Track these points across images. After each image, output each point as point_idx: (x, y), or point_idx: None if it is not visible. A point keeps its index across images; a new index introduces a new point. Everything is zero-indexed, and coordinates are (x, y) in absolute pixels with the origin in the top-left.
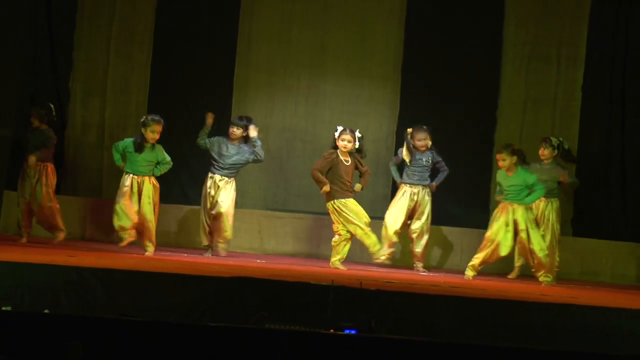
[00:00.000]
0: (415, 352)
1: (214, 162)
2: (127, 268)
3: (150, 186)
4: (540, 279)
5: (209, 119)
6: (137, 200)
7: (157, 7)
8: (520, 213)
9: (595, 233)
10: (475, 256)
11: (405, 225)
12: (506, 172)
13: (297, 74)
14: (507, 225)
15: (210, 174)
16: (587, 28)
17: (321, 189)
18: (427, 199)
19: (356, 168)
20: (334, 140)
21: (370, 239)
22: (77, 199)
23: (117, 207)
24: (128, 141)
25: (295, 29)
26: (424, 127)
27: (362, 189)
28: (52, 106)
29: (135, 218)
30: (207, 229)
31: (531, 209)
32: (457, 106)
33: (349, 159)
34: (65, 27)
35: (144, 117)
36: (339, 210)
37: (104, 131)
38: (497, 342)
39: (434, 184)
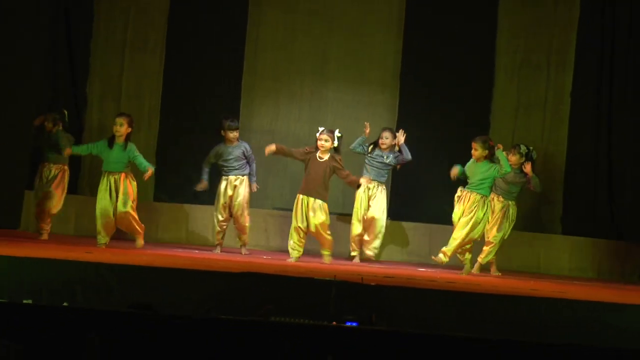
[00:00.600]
0: (413, 343)
1: (223, 167)
2: (141, 264)
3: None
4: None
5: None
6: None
7: (169, 17)
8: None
9: (583, 231)
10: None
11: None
12: (475, 161)
13: (300, 81)
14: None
15: (224, 176)
16: (575, 37)
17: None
18: (381, 195)
19: (334, 172)
20: (316, 140)
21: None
22: (94, 199)
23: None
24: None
25: (299, 38)
26: (391, 128)
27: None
28: (65, 112)
29: None
30: (219, 229)
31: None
32: (452, 111)
33: (324, 157)
34: (82, 35)
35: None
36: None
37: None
38: (490, 335)
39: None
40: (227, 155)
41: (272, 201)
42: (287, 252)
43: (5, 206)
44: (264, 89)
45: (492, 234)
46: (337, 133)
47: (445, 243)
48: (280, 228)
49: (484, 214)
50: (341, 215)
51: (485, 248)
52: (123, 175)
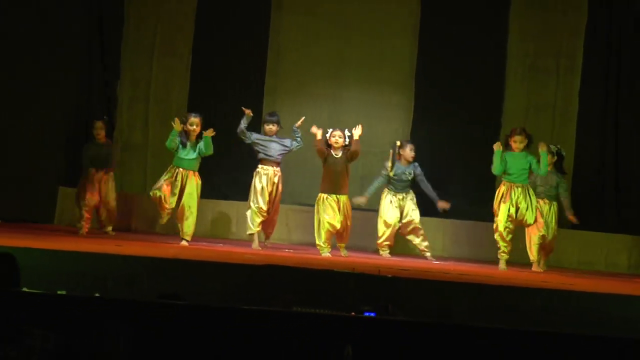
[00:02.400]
0: (428, 333)
1: (261, 153)
2: (169, 256)
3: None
4: None
5: (248, 113)
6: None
7: (195, 22)
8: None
9: (591, 226)
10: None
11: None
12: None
13: (321, 83)
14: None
15: (260, 167)
16: (583, 42)
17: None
18: (412, 201)
19: (347, 157)
20: (327, 140)
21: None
22: (125, 194)
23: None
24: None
25: (319, 42)
26: (409, 140)
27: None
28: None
29: None
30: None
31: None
32: (465, 112)
33: (339, 153)
34: (113, 39)
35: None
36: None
37: (147, 133)
38: (502, 325)
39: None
40: (265, 143)
41: (293, 196)
42: (307, 245)
43: (40, 202)
44: (285, 90)
45: (552, 238)
46: (347, 132)
47: (459, 237)
48: (301, 222)
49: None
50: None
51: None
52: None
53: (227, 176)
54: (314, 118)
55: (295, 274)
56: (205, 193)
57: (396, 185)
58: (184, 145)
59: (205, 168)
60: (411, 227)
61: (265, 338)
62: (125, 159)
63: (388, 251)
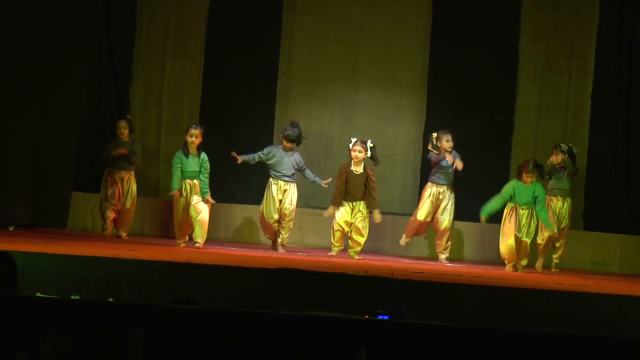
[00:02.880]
0: (442, 336)
1: (273, 171)
2: (182, 260)
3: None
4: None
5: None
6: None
7: (207, 26)
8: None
9: (604, 227)
10: None
11: (432, 220)
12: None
13: (332, 86)
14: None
15: (272, 180)
16: (595, 42)
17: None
18: (451, 196)
19: (365, 184)
20: (349, 150)
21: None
22: (137, 199)
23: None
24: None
25: (331, 45)
26: (445, 131)
27: (379, 217)
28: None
29: None
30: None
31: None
32: (477, 113)
33: (359, 169)
34: (125, 44)
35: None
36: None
37: (160, 137)
38: (516, 327)
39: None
40: (279, 157)
41: (306, 200)
42: (321, 248)
43: (53, 207)
44: (297, 93)
45: (564, 233)
46: (369, 143)
47: (467, 237)
48: (314, 226)
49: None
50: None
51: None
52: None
53: (240, 180)
54: (327, 121)
55: (309, 277)
56: (218, 197)
57: (440, 175)
58: (186, 156)
59: (219, 172)
60: (441, 227)
61: (278, 342)
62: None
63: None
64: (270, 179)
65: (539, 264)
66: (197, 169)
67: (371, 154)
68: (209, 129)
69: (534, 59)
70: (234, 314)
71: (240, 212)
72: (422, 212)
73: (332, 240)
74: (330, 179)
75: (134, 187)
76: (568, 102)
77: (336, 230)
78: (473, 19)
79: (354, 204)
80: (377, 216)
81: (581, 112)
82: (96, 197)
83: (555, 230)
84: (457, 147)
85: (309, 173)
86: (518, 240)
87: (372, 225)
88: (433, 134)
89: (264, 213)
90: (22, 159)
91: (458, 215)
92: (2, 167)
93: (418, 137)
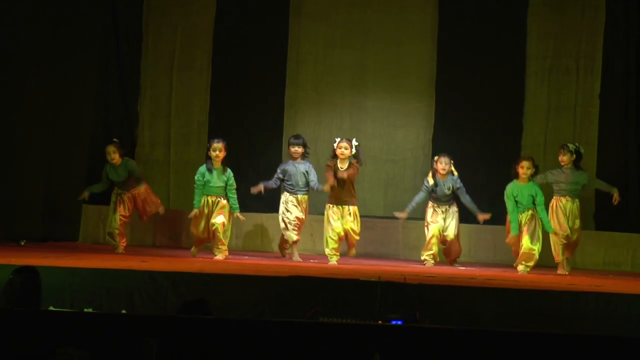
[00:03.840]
0: (456, 340)
1: (288, 186)
2: (195, 271)
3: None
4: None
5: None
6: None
7: (214, 37)
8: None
9: (616, 226)
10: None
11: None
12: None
13: (341, 92)
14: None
15: (287, 194)
16: (602, 41)
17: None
18: (454, 210)
19: (352, 185)
20: (334, 149)
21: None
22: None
23: None
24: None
25: (338, 51)
26: (446, 154)
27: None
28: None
29: None
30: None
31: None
32: (486, 115)
33: (344, 166)
34: (132, 56)
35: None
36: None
37: (169, 149)
38: (530, 329)
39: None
40: (290, 171)
41: (318, 207)
42: None
43: (64, 220)
44: (306, 100)
45: (577, 234)
46: (354, 142)
47: (483, 241)
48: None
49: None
50: (382, 218)
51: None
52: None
53: (250, 188)
54: (336, 127)
55: (322, 284)
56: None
57: (439, 199)
58: (210, 172)
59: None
60: (448, 240)
61: (293, 349)
62: (148, 176)
63: (432, 262)
64: (287, 194)
65: (561, 270)
66: (222, 185)
67: (356, 152)
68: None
69: (541, 60)
70: (248, 323)
71: (251, 220)
72: (431, 228)
73: (328, 249)
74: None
75: (148, 198)
76: (577, 102)
77: (330, 238)
78: (479, 21)
79: (343, 208)
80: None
81: (590, 112)
82: (107, 210)
83: (552, 230)
84: (466, 150)
85: (313, 184)
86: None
87: (383, 230)
88: (435, 157)
89: (285, 222)
90: (32, 173)
91: (469, 218)
92: (13, 182)
93: (427, 141)
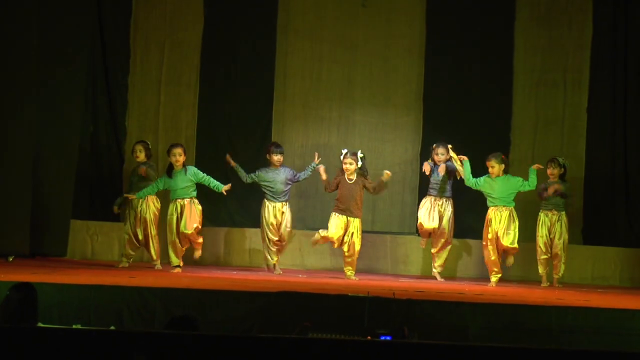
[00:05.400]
0: (445, 355)
1: (269, 194)
2: (183, 286)
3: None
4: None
5: (230, 160)
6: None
7: (201, 51)
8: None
9: (604, 240)
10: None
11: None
12: (492, 177)
13: (328, 106)
14: None
15: (267, 202)
16: (589, 55)
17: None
18: (449, 210)
19: (364, 187)
20: (342, 163)
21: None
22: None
23: None
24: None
25: (325, 66)
26: (443, 144)
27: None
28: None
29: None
30: (270, 250)
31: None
32: (474, 129)
33: (353, 177)
34: (120, 71)
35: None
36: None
37: (157, 163)
38: (519, 344)
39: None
40: (271, 178)
41: (306, 222)
42: (321, 270)
43: (52, 235)
44: (294, 115)
45: (560, 247)
46: (359, 154)
47: (467, 254)
48: (314, 248)
49: (516, 224)
50: (370, 233)
51: (557, 263)
52: (188, 200)
53: (238, 203)
54: (323, 141)
55: (310, 299)
56: (217, 221)
57: (434, 187)
58: (170, 176)
59: (217, 196)
60: (441, 240)
61: None
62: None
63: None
64: (266, 201)
65: (544, 282)
66: (188, 184)
67: (361, 165)
68: (206, 154)
69: (529, 74)
70: (236, 339)
71: (239, 235)
72: (423, 222)
73: (317, 238)
74: (319, 160)
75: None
76: (564, 115)
77: (322, 237)
78: (466, 35)
79: (349, 219)
80: (386, 172)
81: (578, 126)
82: (95, 225)
83: (533, 187)
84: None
85: (303, 174)
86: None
87: (372, 245)
88: (434, 145)
89: (266, 236)
90: (19, 188)
91: (459, 233)
92: (0, 197)
93: (415, 155)
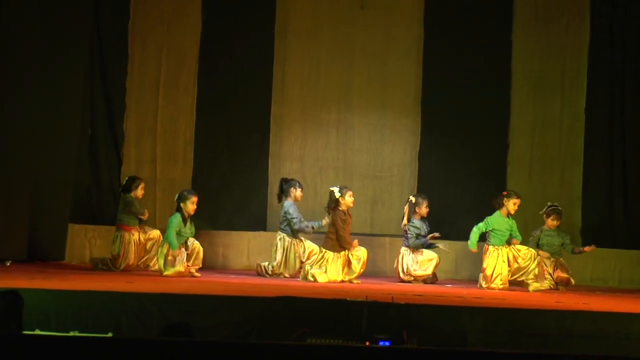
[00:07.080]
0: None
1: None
2: (181, 292)
3: None
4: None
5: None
6: None
7: (199, 55)
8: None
9: (603, 242)
10: None
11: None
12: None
13: (327, 109)
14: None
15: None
16: (587, 58)
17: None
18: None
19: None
20: (337, 200)
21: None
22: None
23: None
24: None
25: (323, 69)
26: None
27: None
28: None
29: None
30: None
31: None
32: (472, 131)
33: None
34: (117, 75)
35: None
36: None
37: (156, 166)
38: (518, 348)
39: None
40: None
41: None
42: None
43: (50, 240)
44: (292, 118)
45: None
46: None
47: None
48: None
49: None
50: (369, 235)
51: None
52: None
53: (237, 207)
54: (322, 144)
55: (308, 304)
56: (216, 225)
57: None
58: (185, 223)
59: (216, 201)
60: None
61: None
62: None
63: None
64: (286, 236)
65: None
66: (193, 231)
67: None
68: (204, 157)
69: (526, 76)
70: (234, 345)
71: (237, 239)
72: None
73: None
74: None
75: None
76: (562, 117)
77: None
78: (464, 37)
79: (346, 253)
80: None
81: (576, 127)
82: (93, 229)
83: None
84: (452, 165)
85: (308, 224)
86: None
87: (370, 248)
88: (411, 198)
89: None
90: (17, 192)
91: (457, 236)
92: None
93: (414, 157)
